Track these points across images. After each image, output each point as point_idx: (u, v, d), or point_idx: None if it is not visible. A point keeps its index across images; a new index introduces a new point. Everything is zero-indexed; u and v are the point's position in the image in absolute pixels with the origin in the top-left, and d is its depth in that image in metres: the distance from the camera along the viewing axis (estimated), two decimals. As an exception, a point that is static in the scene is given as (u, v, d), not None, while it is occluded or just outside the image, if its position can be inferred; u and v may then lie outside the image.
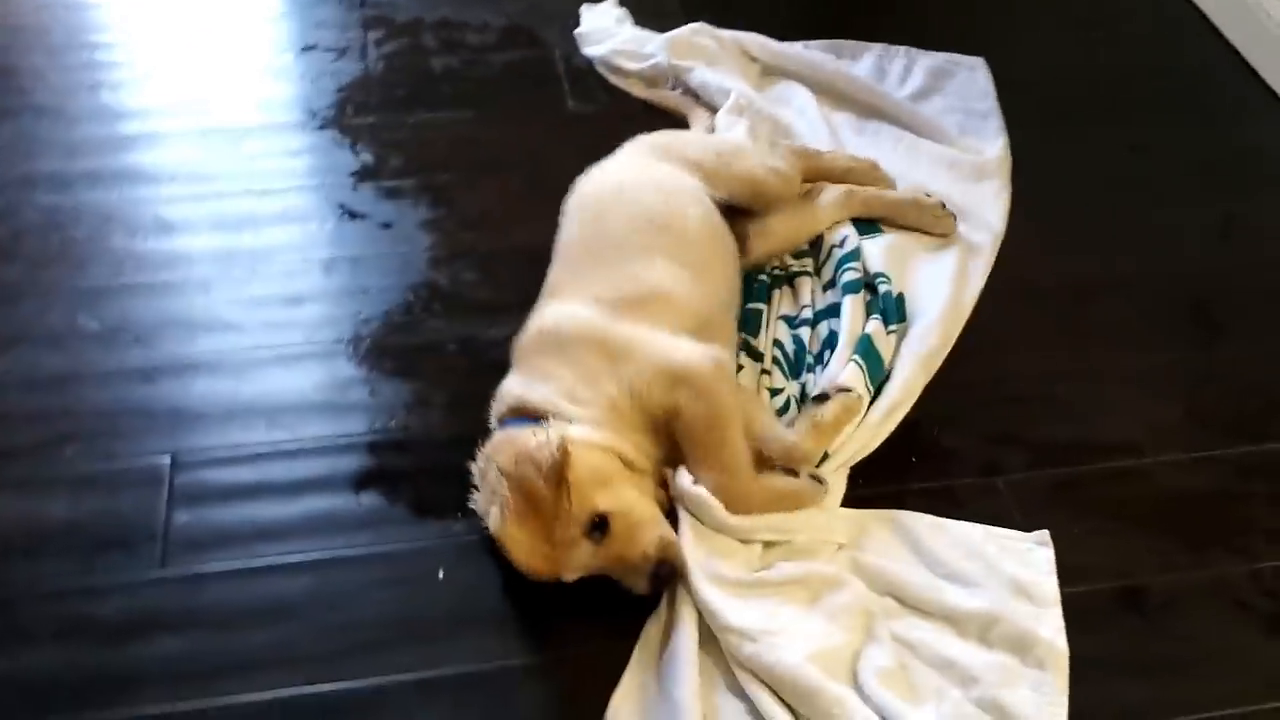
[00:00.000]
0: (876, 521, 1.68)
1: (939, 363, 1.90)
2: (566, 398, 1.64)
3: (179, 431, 1.82)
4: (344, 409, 1.87)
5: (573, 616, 1.58)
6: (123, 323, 2.00)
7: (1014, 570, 1.61)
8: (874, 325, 1.88)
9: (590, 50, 2.61)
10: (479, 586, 1.62)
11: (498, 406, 1.70)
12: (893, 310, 1.93)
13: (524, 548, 1.53)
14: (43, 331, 1.98)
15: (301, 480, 1.76)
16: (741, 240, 1.99)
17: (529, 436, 1.56)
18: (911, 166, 2.29)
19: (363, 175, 2.32)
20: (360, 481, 1.76)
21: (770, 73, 2.56)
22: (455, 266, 2.12)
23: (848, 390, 1.74)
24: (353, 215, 2.23)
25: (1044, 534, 1.67)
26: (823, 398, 1.73)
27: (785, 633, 1.49)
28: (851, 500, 1.71)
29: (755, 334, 1.94)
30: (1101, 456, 1.80)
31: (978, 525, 1.68)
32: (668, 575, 1.55)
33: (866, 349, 1.84)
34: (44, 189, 2.27)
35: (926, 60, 2.56)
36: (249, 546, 1.66)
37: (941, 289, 2.00)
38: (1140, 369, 1.94)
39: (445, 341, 1.98)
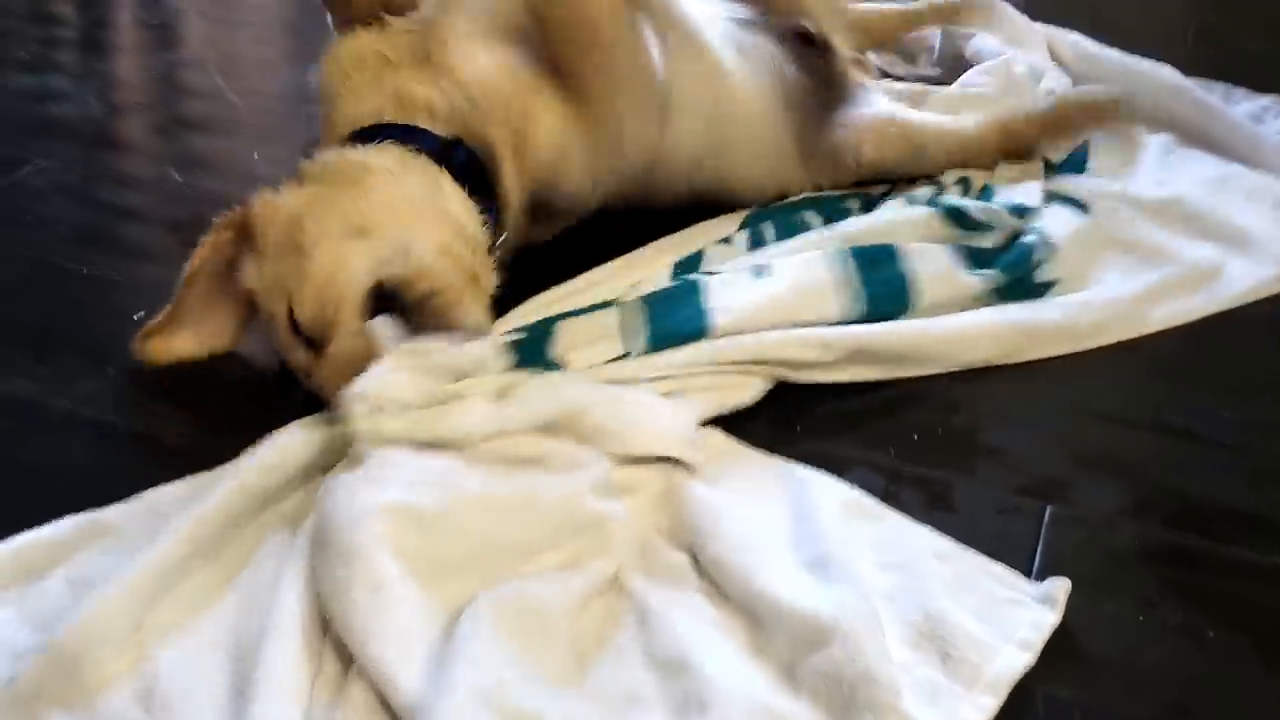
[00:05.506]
0: (765, 467, 0.93)
1: (1069, 347, 1.12)
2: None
3: None
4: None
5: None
6: None
7: (958, 614, 0.79)
8: (936, 253, 1.14)
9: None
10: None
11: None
12: (1013, 264, 1.16)
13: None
14: None
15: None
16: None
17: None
18: (1211, 200, 1.46)
19: None
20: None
21: (1080, 82, 1.85)
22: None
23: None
24: None
25: (1059, 584, 0.83)
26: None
27: (386, 467, 0.81)
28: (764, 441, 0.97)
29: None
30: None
31: (950, 539, 0.88)
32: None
33: (862, 253, 1.12)
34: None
35: None
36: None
37: (1127, 283, 1.21)
38: None
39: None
